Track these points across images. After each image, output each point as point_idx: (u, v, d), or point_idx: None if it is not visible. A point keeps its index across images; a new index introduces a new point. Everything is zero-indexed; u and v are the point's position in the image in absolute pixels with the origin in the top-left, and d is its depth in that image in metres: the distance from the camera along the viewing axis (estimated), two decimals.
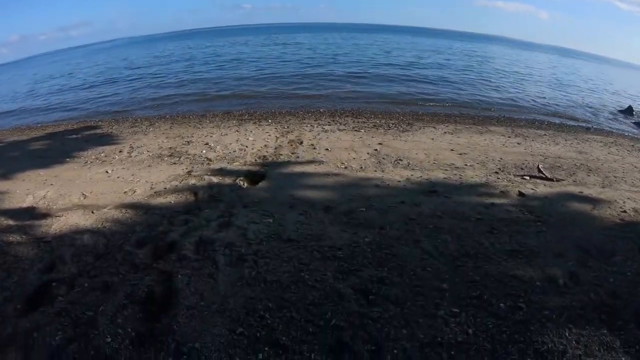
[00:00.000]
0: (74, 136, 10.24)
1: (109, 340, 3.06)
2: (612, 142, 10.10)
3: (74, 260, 4.26)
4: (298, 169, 6.85)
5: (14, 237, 4.71)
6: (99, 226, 4.94)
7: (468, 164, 7.36)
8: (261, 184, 6.23)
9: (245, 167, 6.96)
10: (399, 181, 6.35)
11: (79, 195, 6.02)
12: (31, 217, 5.28)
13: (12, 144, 9.90)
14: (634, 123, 14.29)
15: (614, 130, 12.64)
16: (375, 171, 6.83)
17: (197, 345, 3.01)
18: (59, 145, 9.28)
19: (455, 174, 6.76)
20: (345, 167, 6.96)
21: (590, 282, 3.60)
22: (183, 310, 3.36)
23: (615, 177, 6.95)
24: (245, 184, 6.28)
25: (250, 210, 5.19)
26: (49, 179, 6.80)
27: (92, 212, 5.37)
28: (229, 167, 7.03)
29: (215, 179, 6.43)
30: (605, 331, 3.02)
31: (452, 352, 2.99)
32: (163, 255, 4.35)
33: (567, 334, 3.01)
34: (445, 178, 6.56)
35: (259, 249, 4.25)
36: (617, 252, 4.10)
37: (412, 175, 6.64)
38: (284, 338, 3.12)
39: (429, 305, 3.45)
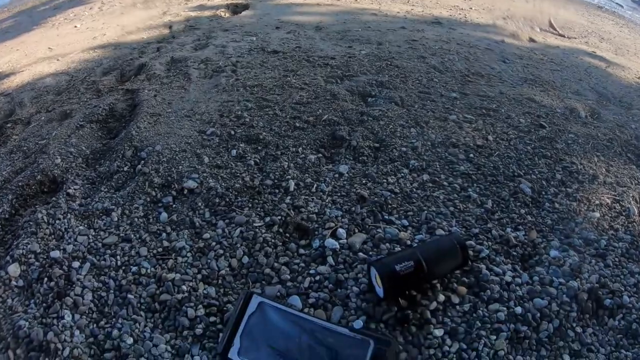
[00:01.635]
0: (43, 8, 9.02)
1: (58, 161, 2.37)
2: (623, 24, 9.05)
3: (33, 102, 3.54)
4: (285, 0, 5.86)
5: None
6: (64, 68, 4.17)
7: (473, 8, 6.49)
8: (244, 13, 5.31)
9: (227, 2, 5.96)
10: (398, 12, 5.48)
11: (44, 51, 5.16)
12: None
13: None
14: None
15: (627, 16, 11.51)
16: (372, 3, 5.90)
17: (157, 148, 2.32)
18: (26, 19, 8.12)
19: (460, 14, 5.94)
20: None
21: (613, 121, 3.05)
22: (146, 118, 2.66)
23: (627, 50, 6.15)
24: (227, 14, 5.34)
25: (232, 33, 4.35)
26: (14, 46, 5.86)
27: (58, 60, 4.54)
28: (209, 3, 6.03)
29: (193, 14, 5.49)
30: (634, 167, 2.52)
31: (471, 155, 2.37)
32: (130, 78, 3.57)
33: (595, 160, 2.49)
34: (450, 15, 5.70)
35: (238, 61, 3.47)
36: (635, 106, 3.49)
37: (412, 9, 5.76)
38: (263, 134, 2.43)
39: (438, 109, 2.80)
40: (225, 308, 1.55)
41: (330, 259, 1.68)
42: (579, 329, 1.51)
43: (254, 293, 1.48)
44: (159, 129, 2.51)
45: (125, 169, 2.28)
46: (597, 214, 2.07)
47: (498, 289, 1.62)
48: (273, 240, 1.77)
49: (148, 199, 2.05)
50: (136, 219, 1.95)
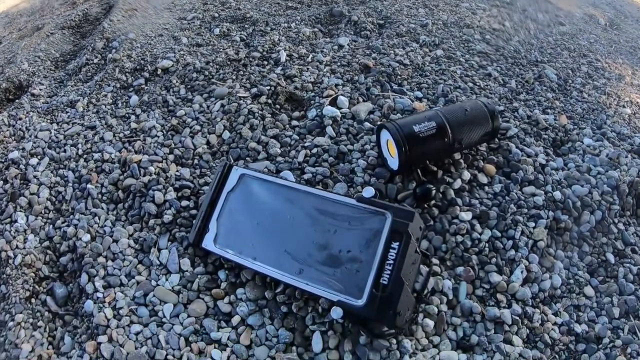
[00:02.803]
0: None
1: (25, 66, 1.99)
2: None
3: (6, 27, 3.09)
4: None
5: None
6: None
7: None
8: None
9: None
10: None
11: None
12: None
13: None
14: None
15: None
16: None
17: (131, 36, 1.89)
18: None
19: None
20: None
21: (634, 33, 2.68)
22: (120, 12, 2.21)
23: None
24: None
25: None
26: None
27: None
28: None
29: None
30: None
31: (487, 37, 1.97)
32: None
33: (620, 62, 2.12)
34: None
35: None
36: None
37: None
38: (251, 13, 1.99)
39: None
40: (201, 191, 1.17)
41: (329, 130, 1.28)
42: (621, 226, 1.19)
43: (233, 165, 1.08)
44: (134, 21, 2.08)
45: (95, 61, 1.88)
46: (629, 110, 1.72)
47: (532, 171, 1.24)
48: (260, 112, 1.36)
49: (118, 85, 1.65)
50: (103, 107, 1.57)
